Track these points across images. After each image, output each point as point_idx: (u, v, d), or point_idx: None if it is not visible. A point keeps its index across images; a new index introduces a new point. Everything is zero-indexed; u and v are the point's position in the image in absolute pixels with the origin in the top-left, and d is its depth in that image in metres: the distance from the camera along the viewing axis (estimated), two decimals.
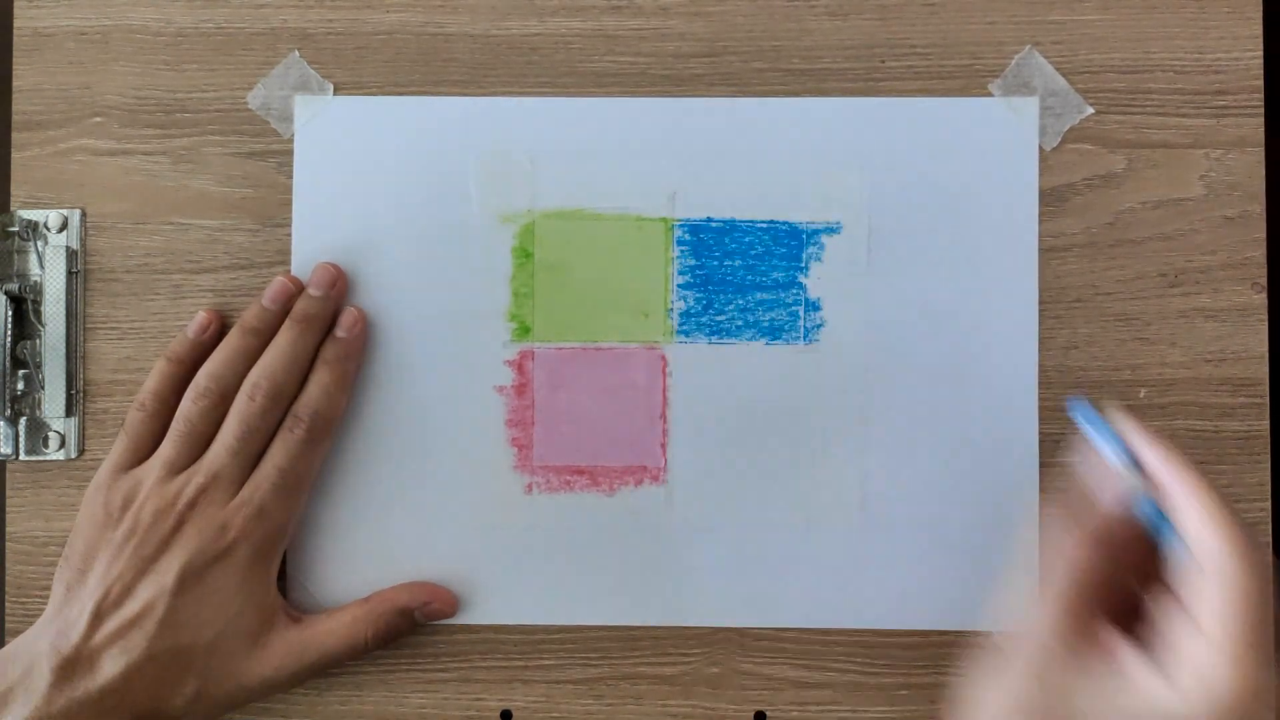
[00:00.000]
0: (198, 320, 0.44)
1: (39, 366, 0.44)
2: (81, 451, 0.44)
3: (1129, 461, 0.30)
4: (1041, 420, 0.44)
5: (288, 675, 0.41)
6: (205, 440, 0.42)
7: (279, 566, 0.42)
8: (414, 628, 0.43)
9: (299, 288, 0.43)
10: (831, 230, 0.44)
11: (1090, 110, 0.44)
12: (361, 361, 0.44)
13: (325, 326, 0.43)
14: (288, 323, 0.43)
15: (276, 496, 0.41)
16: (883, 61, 0.44)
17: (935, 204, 0.44)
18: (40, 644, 0.40)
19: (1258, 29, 0.44)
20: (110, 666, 0.39)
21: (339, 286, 0.44)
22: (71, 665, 0.39)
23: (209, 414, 0.42)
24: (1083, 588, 0.28)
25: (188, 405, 0.42)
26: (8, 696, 0.39)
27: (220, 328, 0.44)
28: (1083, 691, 0.26)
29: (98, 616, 0.40)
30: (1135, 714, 0.25)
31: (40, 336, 0.44)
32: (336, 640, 0.42)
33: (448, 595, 0.43)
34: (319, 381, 0.42)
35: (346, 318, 0.43)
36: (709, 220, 0.44)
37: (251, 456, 0.42)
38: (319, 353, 0.43)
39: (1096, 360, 0.44)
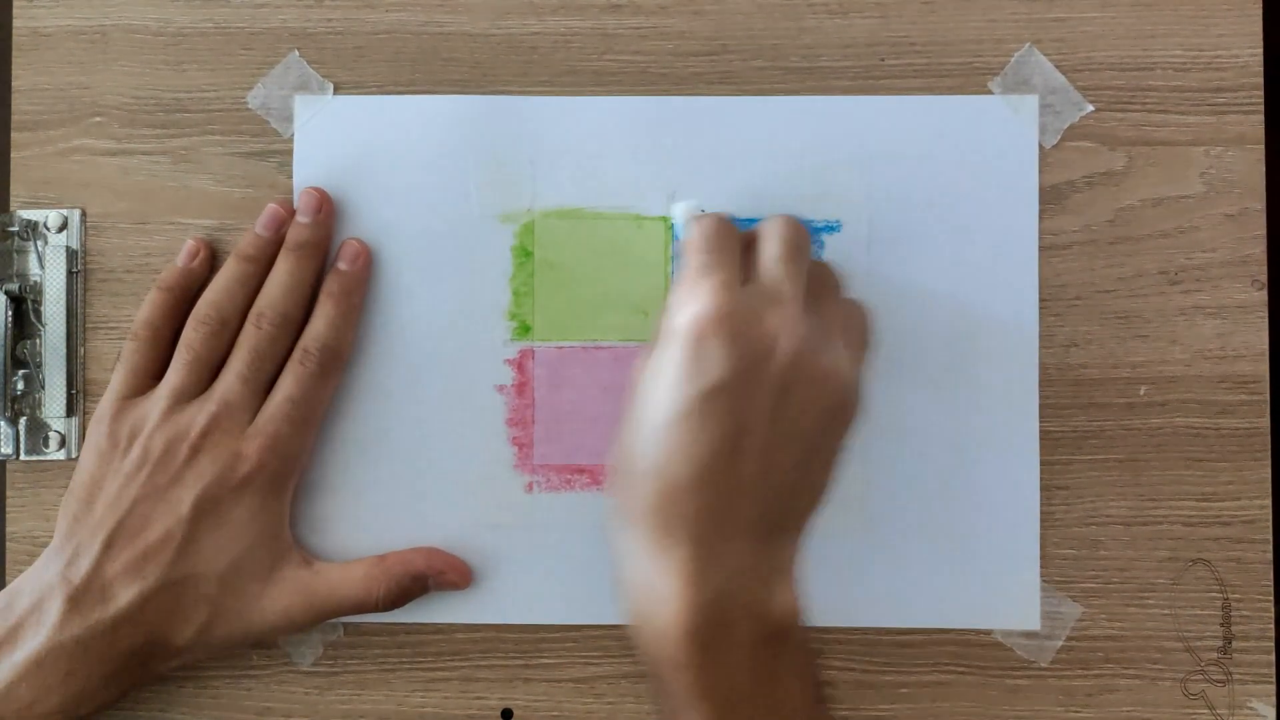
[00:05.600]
0: (186, 247, 0.44)
1: (39, 366, 0.44)
2: None
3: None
4: (1041, 419, 0.44)
5: (297, 616, 0.41)
6: (210, 368, 0.42)
7: (290, 501, 0.43)
8: (425, 593, 0.43)
9: (291, 214, 0.44)
10: (831, 228, 0.44)
11: (1090, 108, 0.44)
12: (365, 294, 0.44)
13: (322, 252, 0.43)
14: (284, 252, 0.43)
15: (290, 427, 0.41)
16: (882, 60, 0.44)
17: (935, 202, 0.44)
18: (48, 575, 0.40)
19: (1258, 26, 0.44)
20: (124, 595, 0.40)
21: (325, 209, 0.43)
22: (83, 594, 0.39)
23: (211, 341, 0.42)
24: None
25: (189, 334, 0.42)
26: (19, 629, 0.40)
27: (210, 255, 0.44)
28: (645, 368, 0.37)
29: (109, 545, 0.40)
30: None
31: (40, 336, 0.44)
32: (347, 590, 0.42)
33: (462, 567, 0.43)
34: (325, 315, 0.43)
35: (348, 250, 0.43)
36: None
37: (262, 385, 0.42)
38: (323, 285, 0.43)
39: (1097, 358, 0.44)
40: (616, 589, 0.37)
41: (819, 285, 0.39)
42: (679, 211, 0.43)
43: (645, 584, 0.36)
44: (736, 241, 0.39)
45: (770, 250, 0.38)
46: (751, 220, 0.44)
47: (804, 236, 0.39)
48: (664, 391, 0.36)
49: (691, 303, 0.36)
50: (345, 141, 0.45)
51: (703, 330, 0.36)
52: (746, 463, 0.35)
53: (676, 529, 0.35)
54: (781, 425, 0.36)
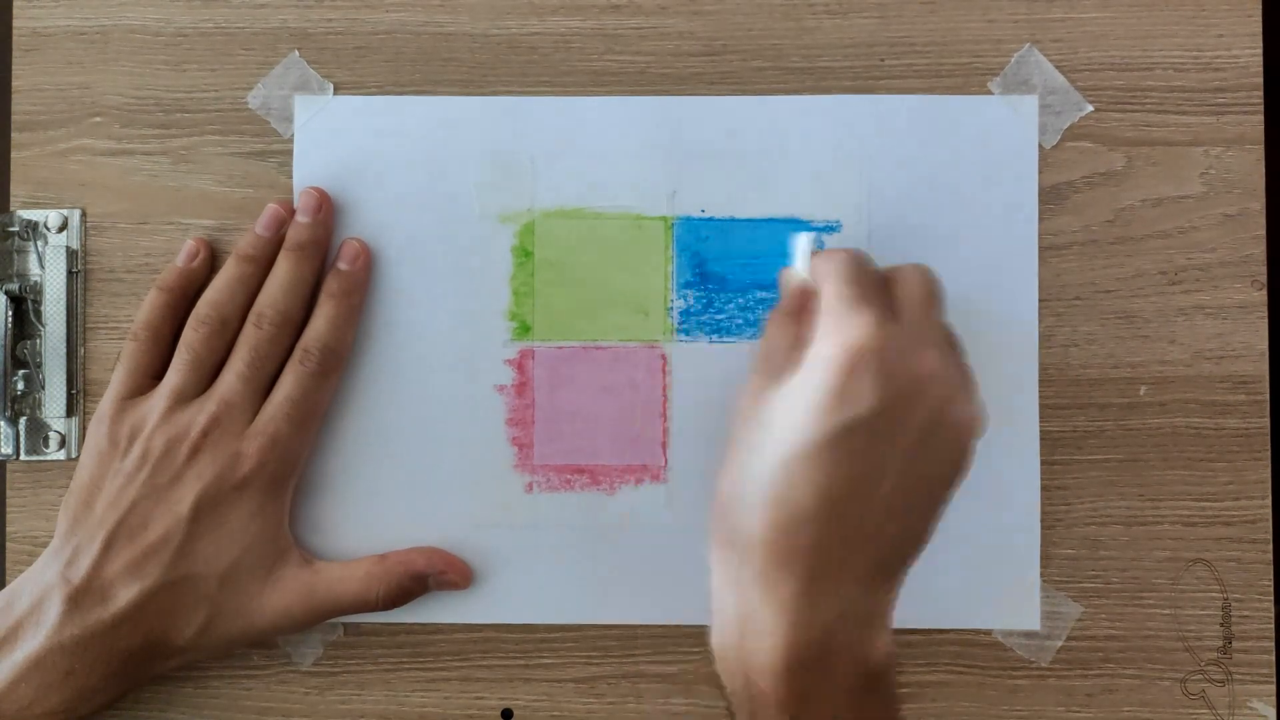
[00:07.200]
0: (186, 248, 0.44)
1: (39, 366, 0.44)
2: None
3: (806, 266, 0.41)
4: (1041, 420, 0.44)
5: (297, 615, 0.41)
6: (210, 369, 0.42)
7: (290, 501, 0.43)
8: (425, 592, 0.43)
9: (291, 214, 0.44)
10: (831, 228, 0.44)
11: (1090, 108, 0.44)
12: (365, 294, 0.44)
13: (322, 253, 0.43)
14: (284, 252, 0.43)
15: (289, 427, 0.41)
16: (882, 60, 0.44)
17: (935, 202, 0.44)
18: (48, 575, 0.40)
19: (1257, 26, 0.44)
20: (124, 595, 0.40)
21: (325, 209, 0.43)
22: (83, 594, 0.39)
23: (210, 341, 0.42)
24: (772, 343, 0.39)
25: (189, 334, 0.42)
26: (18, 629, 0.40)
27: (210, 255, 0.44)
28: (774, 396, 0.37)
29: (109, 545, 0.40)
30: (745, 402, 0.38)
31: (40, 336, 0.44)
32: (347, 589, 0.42)
33: (463, 567, 0.43)
34: (326, 315, 0.42)
35: (348, 250, 0.43)
36: (709, 218, 0.44)
37: (262, 385, 0.42)
38: (323, 284, 0.43)
39: (1096, 358, 0.44)
40: (709, 615, 0.37)
41: (951, 337, 0.38)
42: (802, 243, 0.41)
43: (746, 615, 0.35)
44: (882, 279, 0.38)
45: (916, 293, 0.38)
46: (754, 221, 0.44)
47: (941, 286, 0.39)
48: (799, 419, 0.35)
49: (842, 333, 0.35)
50: (345, 141, 0.45)
51: (855, 363, 0.35)
52: (873, 503, 0.35)
53: (790, 562, 0.34)
54: (913, 470, 0.35)
